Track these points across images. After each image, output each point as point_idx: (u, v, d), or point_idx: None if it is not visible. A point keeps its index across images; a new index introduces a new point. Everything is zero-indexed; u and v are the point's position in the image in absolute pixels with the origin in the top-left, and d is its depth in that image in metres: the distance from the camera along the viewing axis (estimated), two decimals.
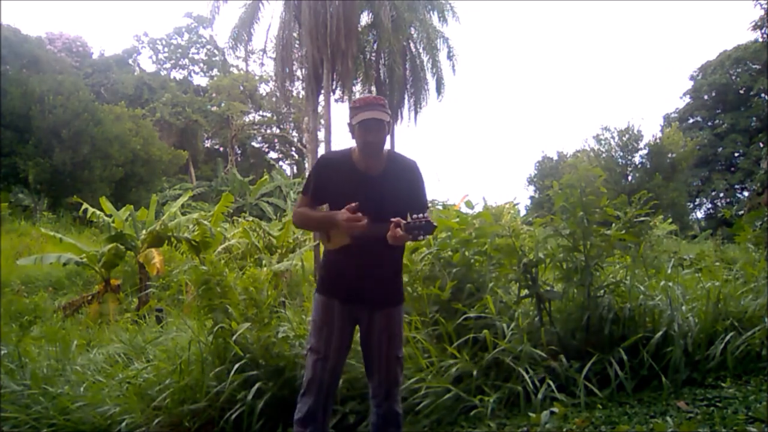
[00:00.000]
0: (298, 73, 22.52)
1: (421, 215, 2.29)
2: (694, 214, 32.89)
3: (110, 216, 10.46)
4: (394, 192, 2.54)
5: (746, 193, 28.95)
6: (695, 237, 19.06)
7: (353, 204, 2.38)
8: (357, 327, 2.69)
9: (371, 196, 2.47)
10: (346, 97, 23.16)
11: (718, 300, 3.73)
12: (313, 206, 2.65)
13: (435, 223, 2.33)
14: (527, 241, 4.12)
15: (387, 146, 2.67)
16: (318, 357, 2.58)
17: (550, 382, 3.21)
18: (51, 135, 20.59)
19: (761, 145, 28.66)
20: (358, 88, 24.22)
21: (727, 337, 3.47)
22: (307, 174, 2.75)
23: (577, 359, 3.41)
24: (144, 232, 10.16)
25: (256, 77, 36.81)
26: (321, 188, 2.62)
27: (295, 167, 40.19)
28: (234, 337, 3.46)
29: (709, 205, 33.49)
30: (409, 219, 2.31)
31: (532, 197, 34.48)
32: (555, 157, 35.03)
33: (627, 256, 4.12)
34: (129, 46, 39.87)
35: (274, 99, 37.27)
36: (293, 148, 39.87)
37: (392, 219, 2.33)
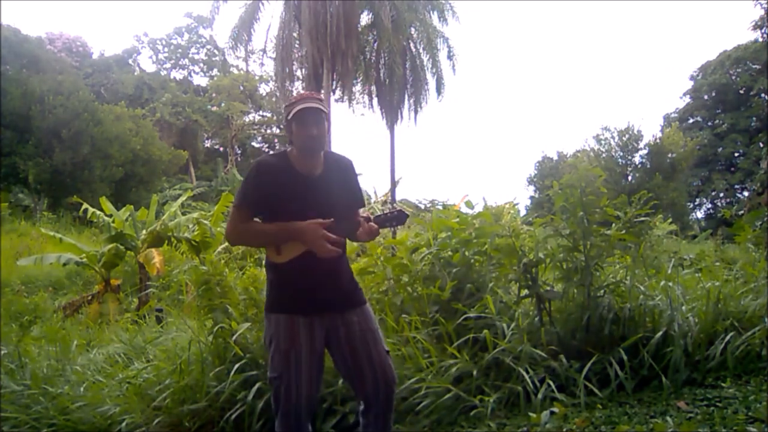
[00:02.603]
0: (298, 73, 22.54)
1: (393, 207, 2.31)
2: (694, 214, 32.96)
3: (110, 216, 10.45)
4: (335, 192, 2.46)
5: (746, 193, 28.95)
6: (695, 237, 19.06)
7: (329, 220, 2.34)
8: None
9: (315, 198, 2.40)
10: (346, 97, 23.20)
11: (718, 300, 3.73)
12: (251, 219, 2.45)
13: (407, 213, 2.35)
14: (527, 241, 4.11)
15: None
16: (289, 385, 2.35)
17: (550, 382, 3.21)
18: (51, 135, 20.61)
19: (761, 145, 28.69)
20: (358, 88, 24.26)
21: (727, 337, 3.47)
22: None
23: (577, 359, 3.41)
24: (144, 232, 10.16)
25: (256, 77, 36.82)
26: (262, 197, 2.41)
27: None
28: (234, 337, 3.45)
29: (709, 205, 33.54)
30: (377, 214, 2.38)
31: (532, 197, 34.55)
32: (555, 157, 35.08)
33: (627, 256, 4.12)
34: (129, 46, 39.92)
35: (274, 99, 37.28)
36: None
37: (362, 216, 2.38)
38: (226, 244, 11.49)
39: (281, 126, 39.28)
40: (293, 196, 2.40)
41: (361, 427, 2.55)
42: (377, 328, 2.55)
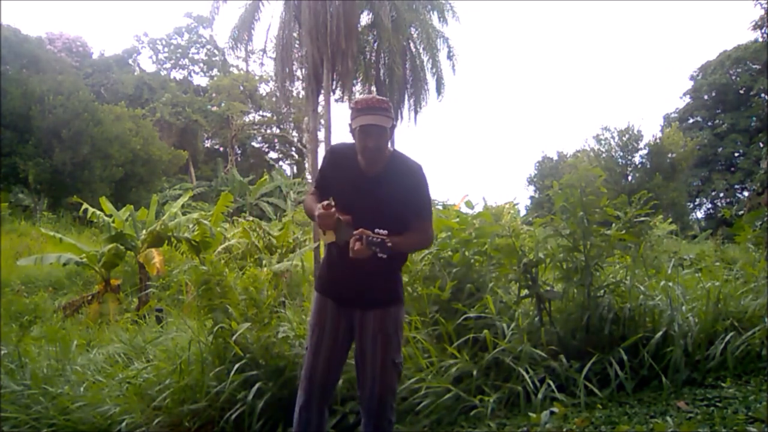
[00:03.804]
0: (298, 73, 22.52)
1: (381, 231, 2.23)
2: (694, 214, 32.92)
3: (110, 216, 10.45)
4: (390, 194, 2.45)
5: (746, 193, 28.93)
6: (695, 237, 19.06)
7: (326, 202, 2.36)
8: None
9: (367, 195, 2.44)
10: (346, 97, 23.14)
11: (718, 300, 3.73)
12: (318, 196, 2.60)
13: (389, 244, 2.23)
14: (527, 241, 4.11)
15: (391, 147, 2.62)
16: (311, 357, 2.56)
17: (550, 382, 3.21)
18: (51, 135, 20.60)
19: (761, 145, 28.64)
20: (358, 88, 24.22)
21: (727, 337, 3.47)
22: (315, 171, 2.80)
23: (577, 359, 3.41)
24: (144, 232, 10.16)
25: (256, 77, 36.82)
26: (325, 179, 2.62)
27: (295, 167, 40.19)
28: (234, 337, 3.45)
29: (709, 205, 33.50)
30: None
31: (532, 197, 34.53)
32: (555, 157, 35.08)
33: (627, 256, 4.13)
34: (129, 46, 39.91)
35: (274, 99, 37.26)
36: (293, 148, 39.88)
37: (355, 232, 2.28)
38: (227, 244, 11.58)
39: (281, 126, 39.36)
40: (346, 188, 2.49)
41: (362, 426, 2.61)
42: (394, 333, 2.55)
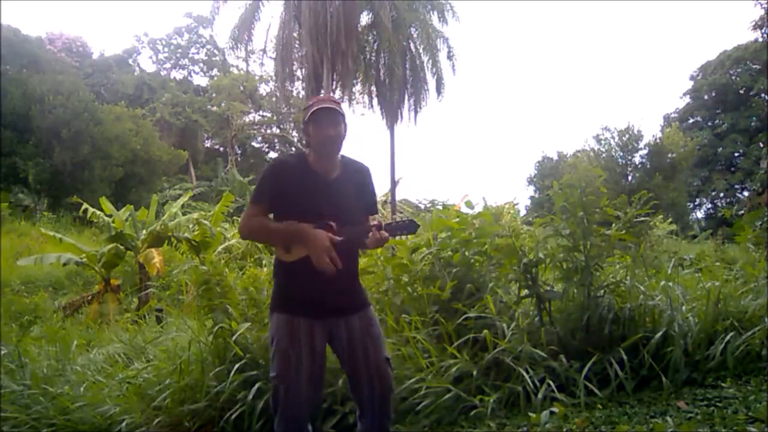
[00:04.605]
0: (298, 73, 22.53)
1: (404, 216, 2.31)
2: (694, 214, 32.94)
3: (110, 216, 10.44)
4: (350, 196, 2.49)
5: (746, 193, 28.94)
6: (695, 237, 19.04)
7: (338, 238, 2.34)
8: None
9: (329, 200, 2.43)
10: (346, 97, 23.17)
11: (718, 300, 3.73)
12: (266, 215, 2.50)
13: (418, 223, 2.33)
14: (527, 241, 4.12)
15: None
16: (288, 386, 2.37)
17: (550, 382, 3.21)
18: (51, 135, 20.64)
19: (761, 145, 28.65)
20: (358, 88, 24.24)
21: (727, 337, 3.47)
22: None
23: (577, 359, 3.41)
24: (144, 232, 10.15)
25: (256, 77, 36.82)
26: (276, 194, 2.45)
27: None
28: (234, 337, 3.46)
29: (709, 205, 33.52)
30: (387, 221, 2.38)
31: (532, 197, 34.58)
32: (555, 157, 35.11)
33: (627, 256, 4.12)
34: (129, 46, 39.97)
35: (274, 99, 37.27)
36: (293, 148, 39.85)
37: (373, 222, 2.37)
38: (227, 244, 11.54)
39: (281, 126, 39.34)
40: (307, 196, 2.43)
41: (361, 426, 2.57)
42: (379, 333, 2.55)
